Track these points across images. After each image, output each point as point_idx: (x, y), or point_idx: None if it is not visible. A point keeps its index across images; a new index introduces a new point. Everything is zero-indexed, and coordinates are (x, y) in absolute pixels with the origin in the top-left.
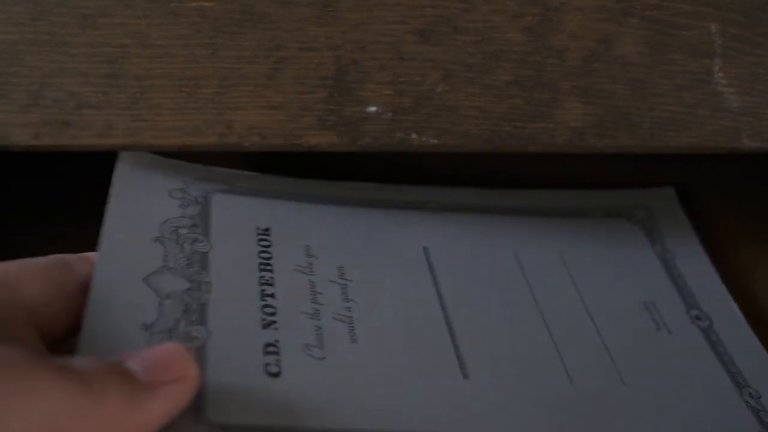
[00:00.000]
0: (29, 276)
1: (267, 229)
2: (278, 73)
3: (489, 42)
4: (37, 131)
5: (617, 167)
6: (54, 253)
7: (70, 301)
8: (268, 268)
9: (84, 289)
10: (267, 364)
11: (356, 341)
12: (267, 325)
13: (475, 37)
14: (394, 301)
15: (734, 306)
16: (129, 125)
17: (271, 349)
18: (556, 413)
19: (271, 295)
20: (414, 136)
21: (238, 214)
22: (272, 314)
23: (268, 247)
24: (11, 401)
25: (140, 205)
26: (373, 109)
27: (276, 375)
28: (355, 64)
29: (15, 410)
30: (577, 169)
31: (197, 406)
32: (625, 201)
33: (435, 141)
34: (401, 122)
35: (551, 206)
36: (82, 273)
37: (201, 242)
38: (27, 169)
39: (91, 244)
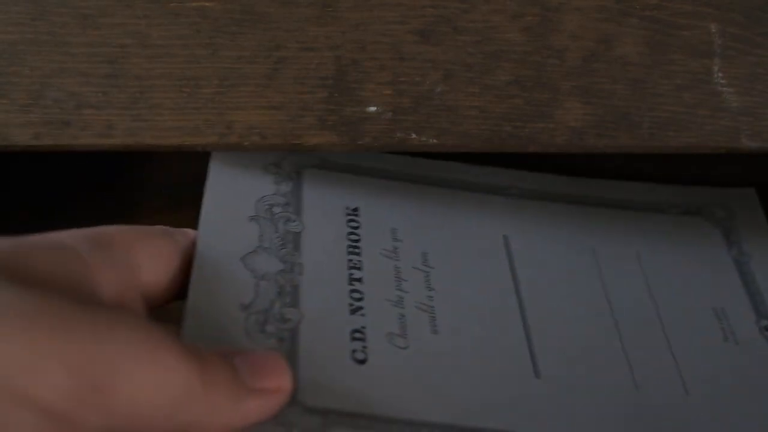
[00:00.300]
0: (137, 240)
1: (356, 209)
2: (278, 73)
3: (489, 42)
4: (37, 131)
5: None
6: None
7: (170, 269)
8: (356, 251)
9: (183, 259)
10: (354, 351)
11: (436, 332)
12: (354, 311)
13: (475, 37)
14: (472, 293)
15: None
16: (129, 125)
17: (358, 335)
18: (619, 421)
19: (359, 280)
20: (414, 136)
21: (329, 192)
22: (359, 299)
23: (356, 228)
24: (127, 366)
25: (237, 181)
26: (373, 109)
27: (362, 362)
28: (355, 64)
29: (128, 375)
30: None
31: None
32: (704, 199)
33: (435, 141)
34: (401, 122)
35: (629, 199)
36: (182, 243)
37: (294, 222)
38: (27, 169)
39: None
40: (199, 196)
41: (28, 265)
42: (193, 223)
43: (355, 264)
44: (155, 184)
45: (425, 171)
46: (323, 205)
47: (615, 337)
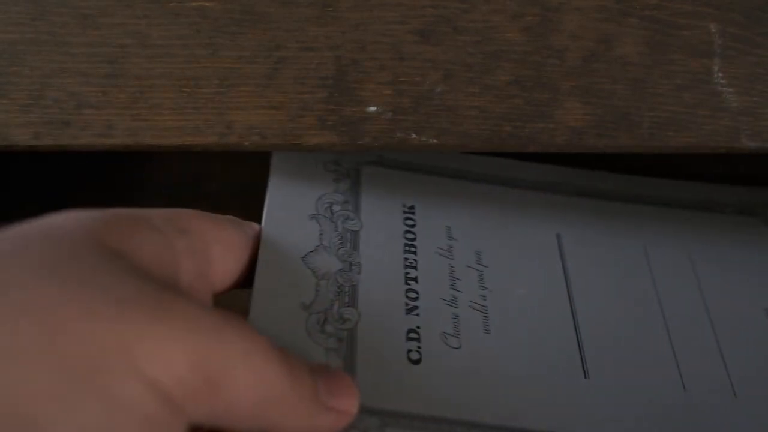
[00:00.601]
0: (212, 229)
1: (412, 207)
2: (278, 73)
3: (489, 42)
4: (37, 131)
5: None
6: None
7: (239, 262)
8: (412, 249)
9: (251, 253)
10: (409, 351)
11: (489, 332)
12: (410, 311)
13: (475, 37)
14: (525, 292)
15: None
16: (129, 125)
17: (413, 335)
18: (667, 422)
19: (414, 279)
20: (414, 136)
21: (386, 190)
22: (415, 299)
23: (412, 226)
24: (236, 365)
25: (297, 179)
26: (373, 109)
27: (417, 362)
28: (355, 64)
29: (235, 373)
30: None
31: None
32: (758, 199)
33: (435, 141)
34: (401, 122)
35: (682, 198)
36: (251, 236)
37: (352, 220)
38: (27, 169)
39: None
40: (199, 196)
41: (132, 248)
42: None
43: (411, 263)
44: (155, 184)
45: (480, 168)
46: (381, 203)
47: (664, 337)
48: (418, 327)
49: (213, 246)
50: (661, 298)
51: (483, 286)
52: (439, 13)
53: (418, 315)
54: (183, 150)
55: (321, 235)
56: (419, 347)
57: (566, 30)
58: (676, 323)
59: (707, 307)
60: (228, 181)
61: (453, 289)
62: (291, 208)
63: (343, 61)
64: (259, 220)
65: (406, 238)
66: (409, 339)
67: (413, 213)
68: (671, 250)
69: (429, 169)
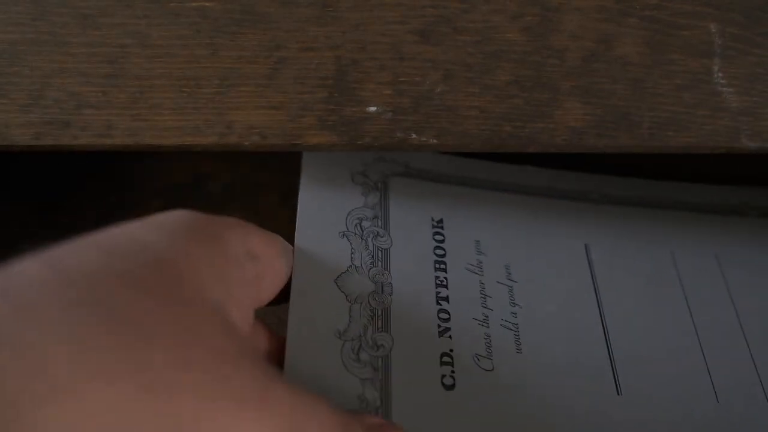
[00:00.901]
0: (276, 255)
1: (440, 221)
2: (278, 73)
3: (489, 42)
4: (37, 131)
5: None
6: None
7: (281, 283)
8: (442, 267)
9: (288, 273)
10: (443, 376)
11: (521, 351)
12: (442, 333)
13: (475, 37)
14: (555, 308)
15: None
16: (129, 125)
17: (446, 359)
18: None
19: (445, 299)
20: (414, 136)
21: (414, 203)
22: (446, 320)
23: (442, 242)
24: None
25: (326, 194)
26: (373, 109)
27: (451, 387)
28: (355, 64)
29: None
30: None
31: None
32: None
33: (435, 141)
34: (401, 122)
35: (708, 202)
36: (290, 258)
37: (382, 237)
38: (27, 168)
39: None
40: (198, 197)
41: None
42: None
43: (442, 281)
44: (155, 184)
45: (507, 177)
46: (410, 218)
47: (696, 347)
48: (451, 350)
49: (266, 273)
50: (691, 307)
51: (513, 303)
52: (439, 13)
53: (450, 337)
54: (183, 150)
55: (352, 254)
56: (453, 372)
57: (566, 30)
58: (707, 332)
59: (737, 314)
60: (228, 181)
61: (484, 307)
62: (322, 226)
63: (343, 61)
64: (258, 220)
65: (436, 255)
66: (443, 363)
67: (442, 227)
68: (699, 254)
69: (457, 179)
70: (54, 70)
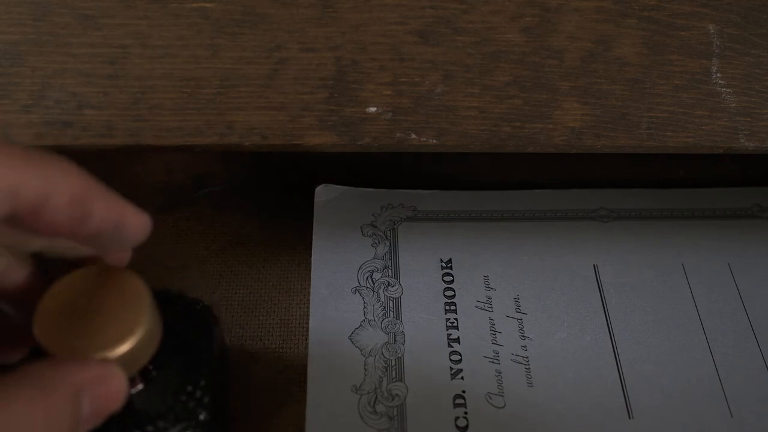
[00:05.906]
0: None
1: (449, 261)
2: (279, 74)
3: (488, 43)
4: (39, 131)
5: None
6: None
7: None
8: (452, 308)
9: None
10: (456, 418)
11: (532, 384)
12: (454, 375)
13: (475, 38)
14: (566, 335)
15: None
16: (130, 125)
17: (459, 401)
18: None
19: (457, 340)
20: (414, 136)
21: (423, 245)
22: (458, 362)
23: (451, 282)
24: None
25: (338, 251)
26: (373, 109)
27: (464, 429)
28: (355, 64)
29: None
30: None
31: None
32: None
33: (434, 141)
34: (401, 122)
35: (716, 207)
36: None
37: (393, 286)
38: None
39: None
40: (198, 197)
41: None
42: (191, 221)
43: (452, 323)
44: (155, 184)
45: (513, 205)
46: (419, 262)
47: (708, 361)
48: (464, 391)
49: None
50: (703, 320)
51: (523, 336)
52: (438, 14)
53: (462, 378)
54: (183, 150)
55: (365, 308)
56: (466, 413)
57: (565, 31)
58: (719, 344)
59: (750, 322)
60: (228, 182)
61: (494, 343)
62: (334, 284)
63: (343, 62)
64: (258, 220)
65: (446, 296)
66: (456, 405)
67: (451, 268)
68: (710, 263)
69: (463, 215)
70: (55, 71)
